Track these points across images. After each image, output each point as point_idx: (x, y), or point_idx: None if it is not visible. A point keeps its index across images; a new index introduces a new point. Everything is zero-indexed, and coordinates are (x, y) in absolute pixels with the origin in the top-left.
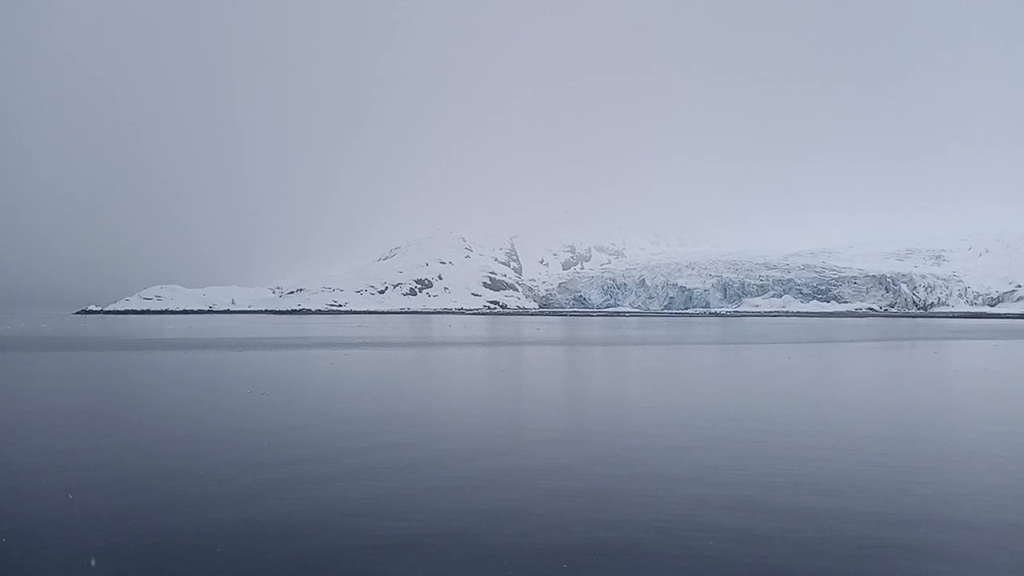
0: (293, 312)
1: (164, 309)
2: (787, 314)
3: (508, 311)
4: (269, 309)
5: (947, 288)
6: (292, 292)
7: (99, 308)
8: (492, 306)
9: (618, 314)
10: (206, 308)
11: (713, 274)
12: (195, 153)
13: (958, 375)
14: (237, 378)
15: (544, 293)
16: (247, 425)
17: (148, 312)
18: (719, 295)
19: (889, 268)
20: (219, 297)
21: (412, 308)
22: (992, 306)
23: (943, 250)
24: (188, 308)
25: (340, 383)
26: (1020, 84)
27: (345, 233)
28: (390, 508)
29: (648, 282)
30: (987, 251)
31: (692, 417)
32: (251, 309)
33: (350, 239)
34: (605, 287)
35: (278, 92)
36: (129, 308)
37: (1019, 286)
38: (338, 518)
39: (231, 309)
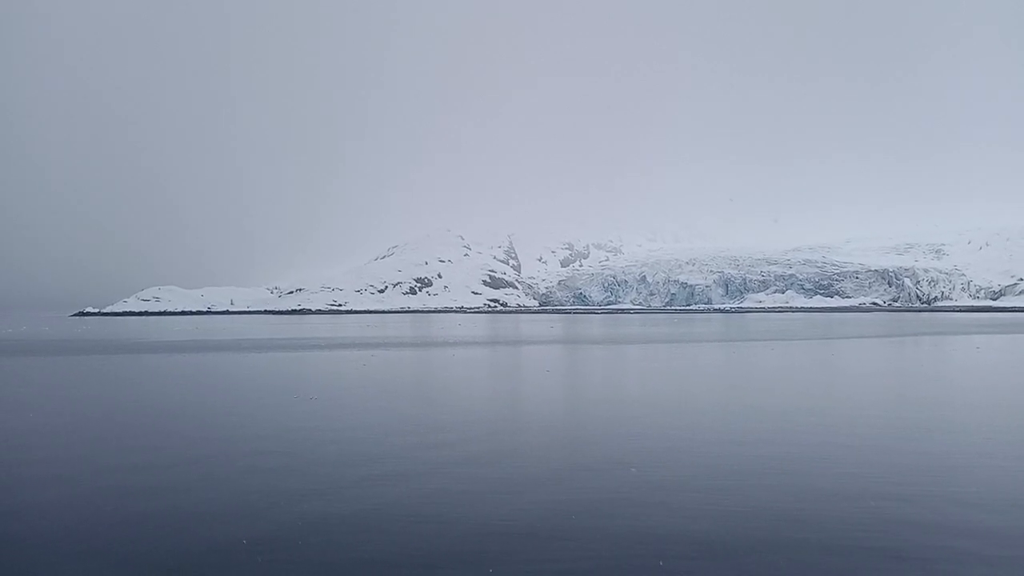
0: (293, 312)
1: (162, 310)
2: (792, 309)
3: (509, 309)
4: (269, 309)
5: (950, 282)
6: (291, 292)
7: (96, 310)
8: (492, 304)
9: (621, 311)
10: (204, 309)
11: (714, 270)
12: (192, 153)
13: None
14: (274, 382)
15: (544, 291)
16: (307, 424)
17: (146, 314)
18: (721, 291)
19: (890, 262)
20: (217, 298)
21: (412, 307)
22: (994, 300)
23: (942, 244)
24: (186, 309)
25: (383, 385)
26: (1017, 81)
27: (342, 233)
28: (493, 499)
29: (649, 279)
30: (987, 245)
31: (783, 416)
32: (250, 310)
33: (347, 239)
34: (606, 284)
35: (276, 91)
36: (127, 310)
37: (1021, 279)
38: (452, 508)
39: (230, 310)
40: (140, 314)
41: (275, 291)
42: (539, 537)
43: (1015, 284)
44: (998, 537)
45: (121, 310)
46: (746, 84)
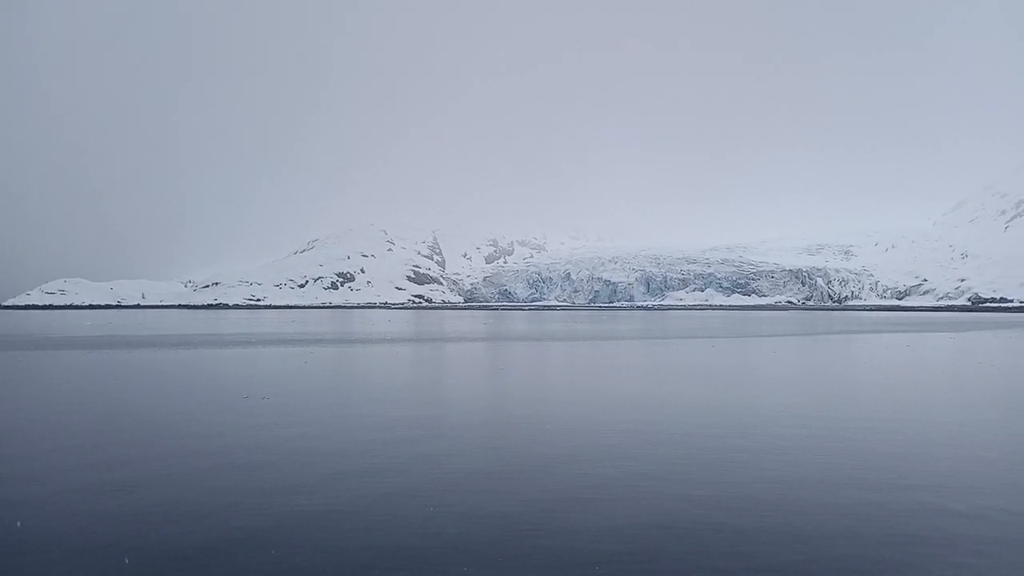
0: (210, 307)
1: (68, 304)
2: (712, 307)
3: (435, 305)
4: (183, 304)
5: (859, 282)
6: (207, 286)
7: None
8: (417, 300)
9: (547, 308)
10: (114, 303)
11: (636, 268)
12: (107, 138)
13: (962, 364)
14: (216, 380)
15: (469, 287)
16: (267, 422)
17: (51, 307)
18: (643, 289)
19: (803, 262)
20: (128, 291)
21: (334, 302)
22: (900, 299)
23: (851, 245)
24: (95, 303)
25: (331, 383)
26: (921, 86)
27: (260, 225)
28: (472, 493)
29: (573, 276)
30: (893, 247)
31: (751, 414)
32: (163, 304)
33: (266, 231)
34: (530, 281)
35: (206, 84)
36: (30, 303)
37: (924, 280)
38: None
39: (142, 304)
40: (44, 308)
41: (190, 285)
42: (524, 530)
43: (919, 284)
44: (978, 519)
45: (24, 303)
46: (677, 71)
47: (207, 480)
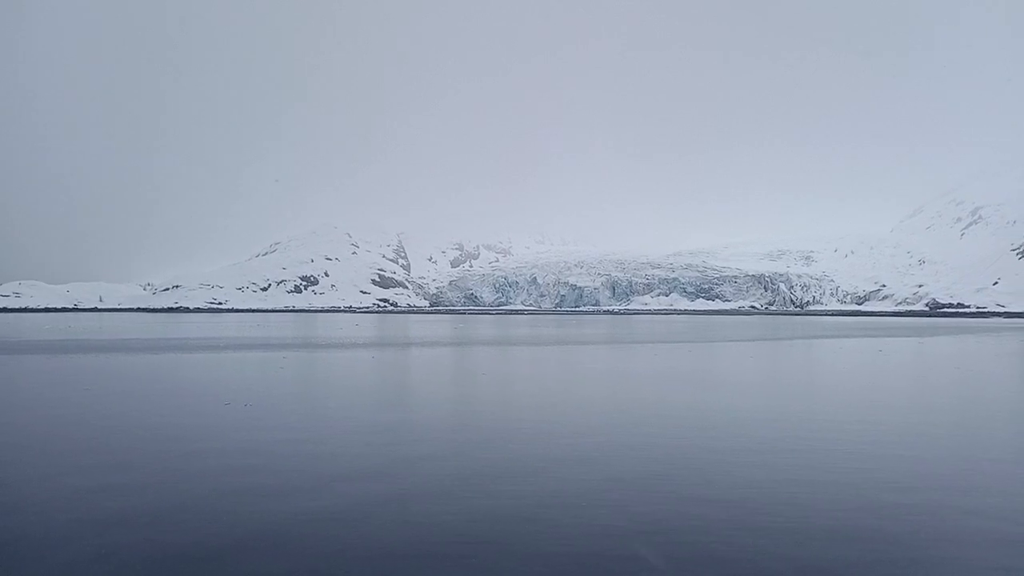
0: (170, 310)
1: (23, 307)
2: (678, 312)
3: (400, 309)
4: (142, 307)
5: (820, 287)
6: (167, 289)
7: None
8: (382, 304)
9: (515, 312)
10: (71, 306)
11: (602, 273)
12: (64, 139)
13: (938, 368)
14: (191, 387)
15: (435, 291)
16: (254, 426)
17: (5, 311)
18: (608, 293)
19: (765, 268)
20: (85, 294)
21: (298, 306)
22: (860, 304)
23: (811, 251)
24: (50, 306)
25: (313, 388)
26: (872, 85)
27: (226, 230)
28: (466, 493)
29: (540, 280)
30: (852, 252)
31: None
32: (121, 307)
33: (230, 235)
34: (497, 285)
35: (173, 85)
36: None
37: (883, 285)
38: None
39: (99, 307)
40: None
41: (149, 288)
42: (524, 532)
43: (878, 290)
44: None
45: None
46: (644, 73)
47: (201, 484)
